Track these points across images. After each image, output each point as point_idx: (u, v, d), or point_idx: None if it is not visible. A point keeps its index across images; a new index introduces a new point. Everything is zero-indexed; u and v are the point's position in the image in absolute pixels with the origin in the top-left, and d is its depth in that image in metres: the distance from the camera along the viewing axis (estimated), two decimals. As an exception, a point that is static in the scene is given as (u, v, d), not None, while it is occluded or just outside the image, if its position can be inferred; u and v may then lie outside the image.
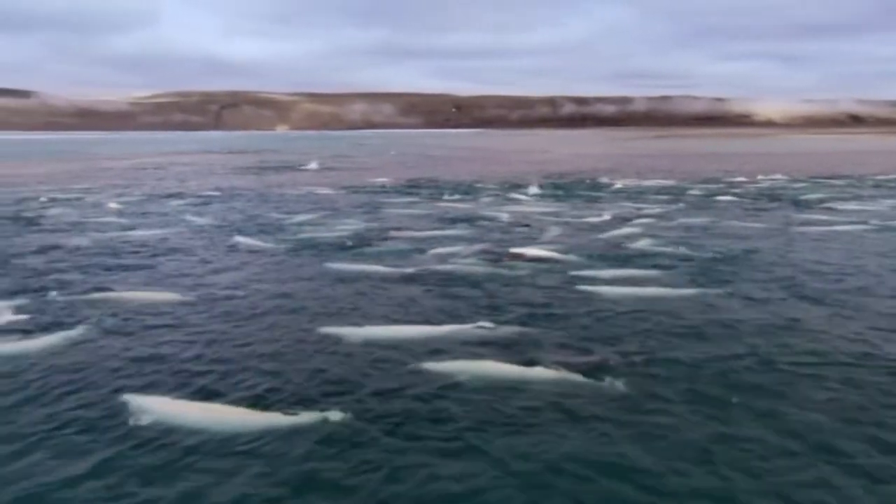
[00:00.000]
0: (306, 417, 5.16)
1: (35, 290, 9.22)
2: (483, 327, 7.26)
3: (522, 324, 7.56)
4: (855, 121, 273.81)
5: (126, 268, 10.81)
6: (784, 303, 8.45)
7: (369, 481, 4.41)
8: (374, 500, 4.25)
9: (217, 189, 24.42)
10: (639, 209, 17.67)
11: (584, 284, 9.17)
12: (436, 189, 23.99)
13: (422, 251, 11.87)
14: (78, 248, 12.41)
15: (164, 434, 5.01)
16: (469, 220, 15.93)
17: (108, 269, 10.75)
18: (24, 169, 37.83)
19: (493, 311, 8.13)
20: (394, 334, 7.17)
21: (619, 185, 25.22)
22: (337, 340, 6.99)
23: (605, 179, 27.57)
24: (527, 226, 14.88)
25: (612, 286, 9.13)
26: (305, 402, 5.52)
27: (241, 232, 13.95)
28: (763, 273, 10.08)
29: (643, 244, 12.36)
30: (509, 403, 5.50)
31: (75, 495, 4.29)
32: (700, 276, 9.88)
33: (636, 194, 21.86)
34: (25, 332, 7.36)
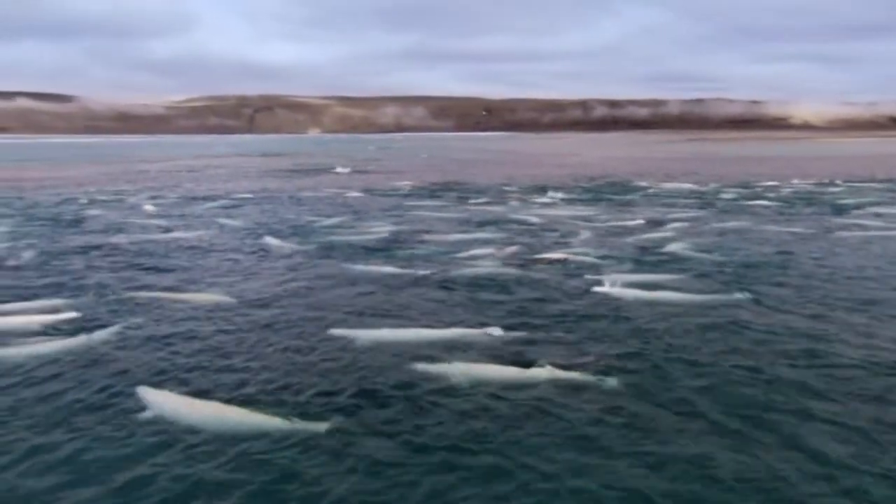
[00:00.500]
0: (301, 420, 5.18)
1: (72, 290, 9.48)
2: (496, 331, 7.25)
3: (538, 328, 7.54)
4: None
5: (158, 269, 11.04)
6: (816, 310, 8.25)
7: (362, 485, 4.43)
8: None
9: (249, 192, 24.78)
10: (670, 213, 17.48)
11: (609, 289, 9.08)
12: (465, 192, 24.03)
13: (449, 255, 11.91)
14: (114, 249, 12.71)
15: (179, 431, 5.11)
16: (497, 223, 15.94)
17: (142, 269, 10.99)
18: (65, 171, 38.82)
19: (512, 315, 8.12)
20: (409, 337, 7.19)
21: (650, 188, 24.98)
22: (352, 343, 7.03)
23: (636, 183, 27.33)
24: (555, 229, 14.82)
25: (638, 290, 9.04)
26: (307, 405, 5.56)
27: (271, 234, 14.14)
28: (796, 279, 9.89)
29: (673, 248, 12.23)
30: (502, 407, 5.50)
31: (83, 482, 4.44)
32: (730, 281, 9.73)
33: (667, 198, 21.62)
34: (62, 330, 7.55)
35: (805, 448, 4.80)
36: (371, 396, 5.75)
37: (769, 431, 5.06)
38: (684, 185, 26.06)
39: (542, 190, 24.37)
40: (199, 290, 9.41)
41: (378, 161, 50.67)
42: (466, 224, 15.92)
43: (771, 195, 22.11)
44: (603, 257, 11.52)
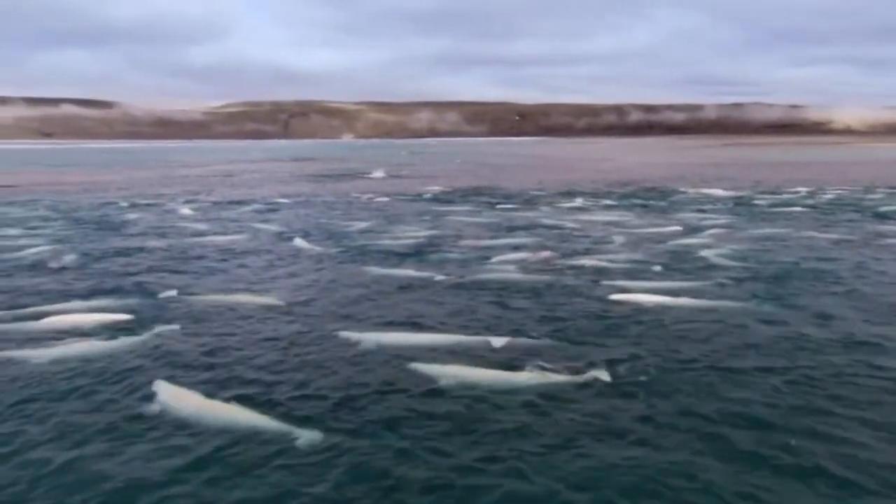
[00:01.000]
0: (291, 424, 5.25)
1: (112, 291, 9.76)
2: (500, 340, 7.23)
3: (548, 334, 7.51)
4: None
5: (194, 272, 11.29)
6: (851, 321, 8.04)
7: (350, 490, 4.47)
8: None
9: (283, 196, 25.14)
10: (704, 219, 17.25)
11: (631, 296, 8.99)
12: (497, 197, 24.02)
13: (477, 259, 11.94)
14: (151, 252, 13.02)
15: (186, 428, 5.28)
16: (528, 228, 15.92)
17: (178, 272, 11.24)
18: (107, 176, 39.83)
19: (527, 320, 8.12)
20: (417, 342, 7.25)
21: (685, 193, 24.68)
22: (367, 347, 7.09)
23: (670, 188, 27.02)
24: (587, 235, 14.74)
25: (660, 297, 8.94)
26: (307, 408, 5.64)
27: (303, 238, 14.33)
28: (833, 288, 9.68)
29: (706, 254, 12.07)
30: (490, 411, 5.55)
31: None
32: (763, 289, 9.55)
33: (702, 203, 21.33)
34: (101, 331, 7.77)
35: (812, 470, 4.62)
36: (371, 401, 5.79)
37: (775, 448, 4.92)
38: (720, 190, 25.67)
39: (575, 195, 24.25)
40: (232, 292, 9.59)
41: (411, 166, 50.91)
42: (497, 229, 15.93)
43: (809, 201, 21.68)
44: (632, 263, 11.44)
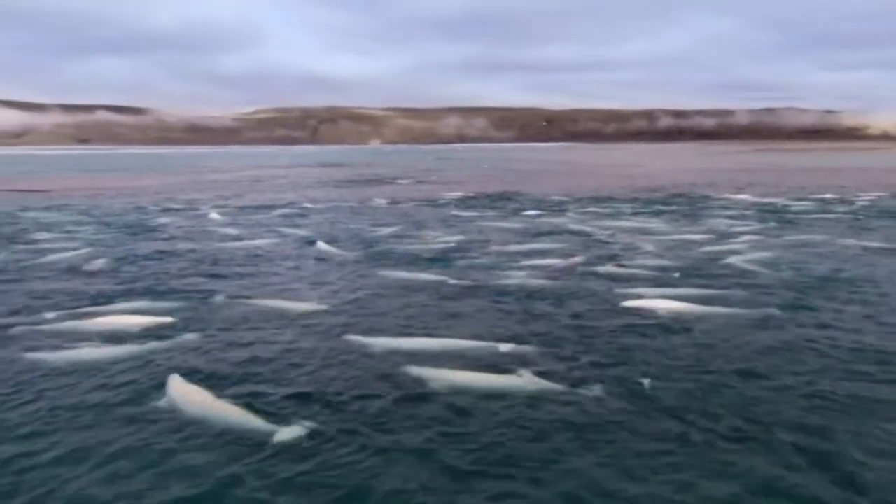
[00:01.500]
0: (288, 426, 5.29)
1: (141, 295, 9.92)
2: (505, 346, 7.19)
3: (555, 342, 7.43)
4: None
5: (221, 276, 11.42)
6: (884, 332, 7.79)
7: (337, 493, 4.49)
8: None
9: (312, 201, 25.38)
10: (734, 225, 16.99)
11: (660, 301, 8.85)
12: (524, 203, 23.96)
13: (504, 265, 11.91)
14: (183, 256, 13.22)
15: (193, 425, 5.39)
16: (555, 234, 15.85)
17: (208, 276, 11.39)
18: (139, 181, 40.61)
19: (547, 327, 8.04)
20: (424, 347, 7.25)
21: (715, 199, 24.36)
22: (375, 351, 7.13)
23: (700, 194, 26.70)
24: (614, 241, 14.62)
25: (688, 304, 8.80)
26: (306, 412, 5.65)
27: (328, 242, 14.43)
28: (866, 296, 9.43)
29: (734, 261, 11.89)
30: (482, 415, 5.53)
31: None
32: (791, 297, 9.34)
33: (733, 209, 21.01)
34: (132, 334, 7.90)
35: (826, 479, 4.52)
36: (370, 406, 5.79)
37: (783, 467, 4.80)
38: (751, 196, 25.29)
39: (603, 200, 24.09)
40: (261, 297, 9.69)
41: (439, 171, 51.04)
42: (524, 235, 15.89)
43: (843, 207, 21.24)
44: (659, 270, 11.30)
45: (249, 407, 5.66)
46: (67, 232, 16.99)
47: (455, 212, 21.16)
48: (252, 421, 5.39)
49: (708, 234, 15.30)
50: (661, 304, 8.78)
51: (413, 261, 12.52)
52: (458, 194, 28.03)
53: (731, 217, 18.96)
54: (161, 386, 6.10)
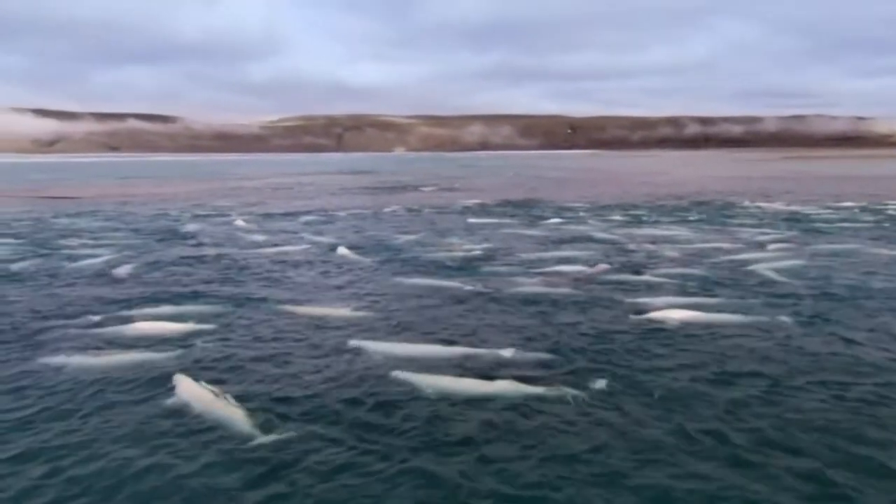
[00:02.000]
0: (277, 433, 5.36)
1: (170, 300, 10.08)
2: (508, 352, 7.19)
3: (559, 349, 7.39)
4: None
5: (248, 282, 11.56)
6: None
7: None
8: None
9: (337, 208, 25.58)
10: (761, 234, 16.73)
11: (679, 312, 8.73)
12: (548, 210, 23.89)
13: (526, 272, 11.88)
14: (210, 263, 13.41)
15: (199, 423, 5.56)
16: (578, 241, 15.76)
17: (235, 282, 11.54)
18: (168, 188, 41.28)
19: (557, 334, 8.01)
20: (424, 353, 7.30)
21: (740, 207, 24.05)
22: (375, 357, 7.21)
23: (725, 201, 26.38)
24: (638, 249, 14.49)
25: (710, 314, 8.70)
26: (303, 416, 5.74)
27: (356, 250, 14.52)
28: (894, 308, 9.26)
29: (760, 270, 11.70)
30: (475, 420, 5.59)
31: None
32: (818, 309, 9.14)
33: (759, 217, 20.72)
34: (152, 339, 8.04)
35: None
36: (367, 410, 5.86)
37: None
38: (778, 204, 24.93)
39: (627, 208, 23.93)
40: (281, 302, 9.79)
41: (462, 179, 51.12)
42: (547, 242, 15.84)
43: (872, 217, 20.81)
44: (681, 278, 11.17)
45: (252, 407, 5.78)
46: (97, 238, 17.32)
47: (478, 219, 21.16)
48: (253, 420, 5.51)
49: (733, 243, 15.11)
50: (682, 313, 8.66)
51: (435, 268, 12.56)
52: (481, 202, 28.04)
53: (757, 225, 18.70)
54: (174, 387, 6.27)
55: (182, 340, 7.88)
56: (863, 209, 23.10)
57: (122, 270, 12.41)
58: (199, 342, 7.79)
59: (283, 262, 13.43)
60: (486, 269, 12.39)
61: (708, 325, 8.28)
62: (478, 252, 14.23)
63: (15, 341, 8.00)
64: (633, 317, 8.72)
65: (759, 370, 6.72)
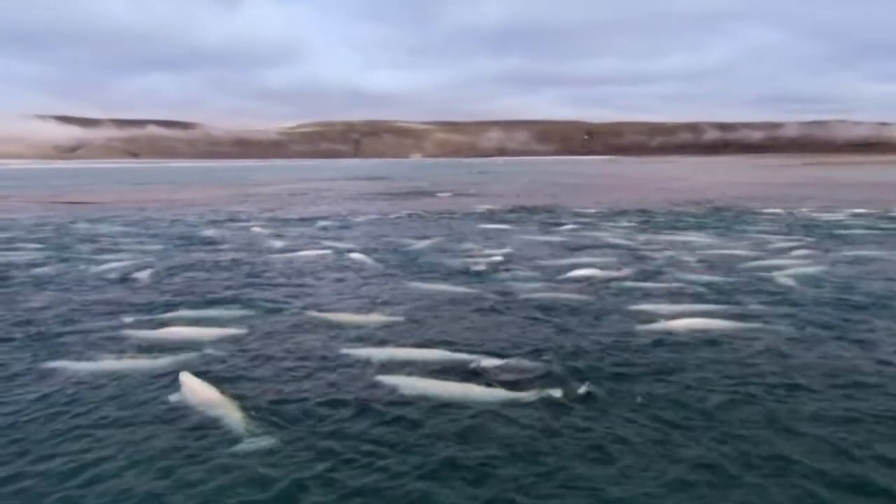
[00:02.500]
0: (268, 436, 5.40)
1: (189, 305, 10.18)
2: (547, 360, 7.18)
3: (559, 357, 7.35)
4: None
5: (266, 287, 11.63)
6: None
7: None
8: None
9: (354, 214, 25.70)
10: (780, 240, 16.57)
11: (695, 320, 8.66)
12: (564, 216, 23.81)
13: (540, 279, 11.86)
14: (228, 268, 13.51)
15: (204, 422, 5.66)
16: (595, 248, 15.69)
17: (247, 286, 11.62)
18: (187, 194, 41.69)
19: (577, 341, 7.97)
20: (446, 360, 7.30)
21: (760, 214, 23.82)
22: (410, 364, 7.20)
23: (745, 208, 26.15)
24: (654, 256, 14.39)
25: (722, 321, 8.63)
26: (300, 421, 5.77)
27: (372, 255, 14.58)
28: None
29: (778, 277, 11.57)
30: (464, 425, 5.62)
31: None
32: (837, 316, 8.99)
33: (779, 224, 20.50)
34: (169, 343, 8.12)
35: None
36: (364, 414, 5.90)
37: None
38: (799, 210, 24.67)
39: (645, 214, 23.79)
40: (297, 307, 9.85)
41: (479, 185, 51.12)
42: (563, 248, 15.78)
43: (894, 224, 20.52)
44: (698, 284, 11.09)
45: (261, 409, 5.88)
46: (116, 243, 17.51)
47: (494, 225, 21.15)
48: (259, 422, 5.60)
49: (752, 250, 14.96)
50: (699, 321, 8.60)
51: (450, 274, 12.56)
52: (497, 207, 28.03)
53: (776, 232, 18.50)
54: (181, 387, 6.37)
55: (201, 344, 7.93)
56: (885, 216, 22.77)
57: (142, 275, 12.54)
58: (217, 346, 7.86)
59: (300, 267, 13.51)
60: (503, 275, 12.37)
61: (727, 334, 8.19)
62: (494, 258, 14.20)
63: (37, 344, 8.11)
64: (649, 325, 8.64)
65: (777, 381, 6.63)
